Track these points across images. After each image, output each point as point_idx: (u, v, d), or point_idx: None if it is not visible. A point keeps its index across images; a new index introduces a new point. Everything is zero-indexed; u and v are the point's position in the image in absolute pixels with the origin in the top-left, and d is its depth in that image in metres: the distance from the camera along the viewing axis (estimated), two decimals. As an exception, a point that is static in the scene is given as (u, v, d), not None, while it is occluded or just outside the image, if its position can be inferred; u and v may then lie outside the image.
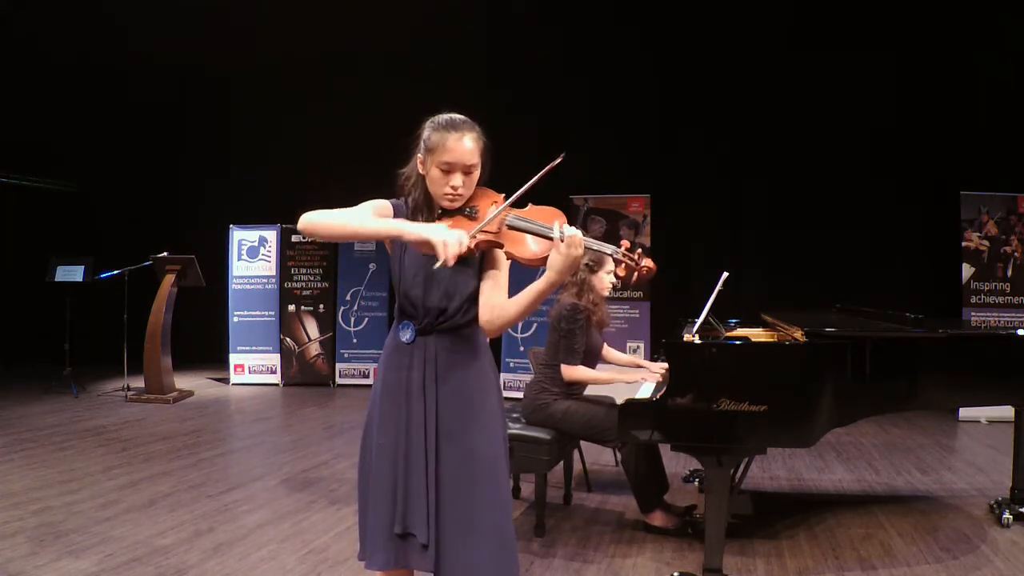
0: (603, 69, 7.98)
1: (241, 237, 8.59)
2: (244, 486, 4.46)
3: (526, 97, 7.80)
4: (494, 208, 1.87)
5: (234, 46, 8.23)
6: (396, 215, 1.97)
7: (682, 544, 3.53)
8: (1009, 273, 6.74)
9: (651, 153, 7.96)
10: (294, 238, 8.59)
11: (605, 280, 3.75)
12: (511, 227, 1.85)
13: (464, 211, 1.92)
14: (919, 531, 3.70)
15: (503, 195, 1.94)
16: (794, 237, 7.61)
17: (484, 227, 1.84)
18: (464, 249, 1.75)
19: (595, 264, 3.67)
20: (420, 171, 1.94)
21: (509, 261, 1.93)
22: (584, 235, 1.79)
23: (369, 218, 1.87)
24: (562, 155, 1.81)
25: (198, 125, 9.37)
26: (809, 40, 7.43)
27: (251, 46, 8.24)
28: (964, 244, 6.78)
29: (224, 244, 8.58)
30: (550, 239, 1.79)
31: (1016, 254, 6.73)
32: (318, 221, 1.82)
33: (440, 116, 1.94)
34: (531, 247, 1.83)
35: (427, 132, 1.92)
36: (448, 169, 1.88)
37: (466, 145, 1.87)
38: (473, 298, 1.94)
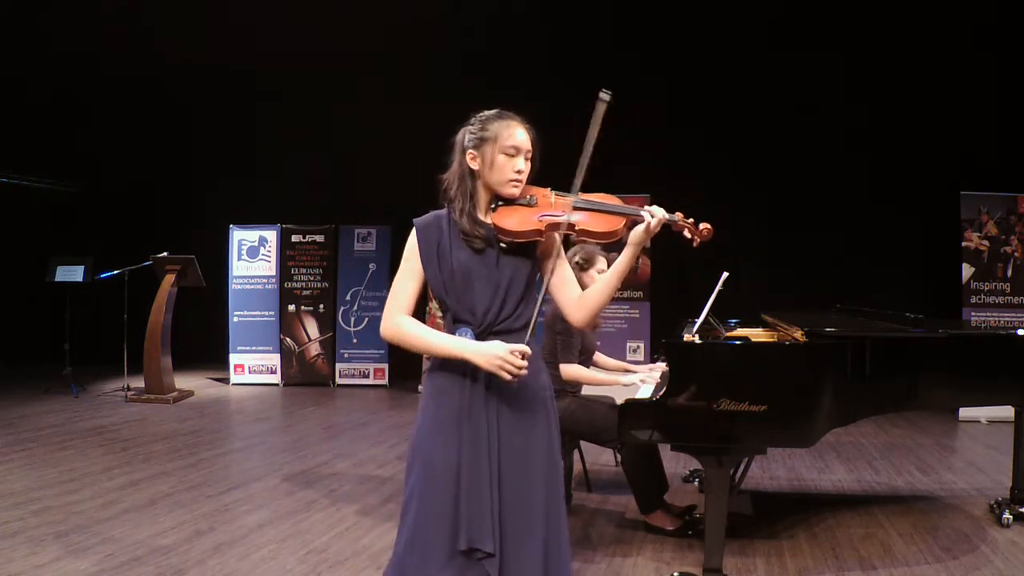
0: (603, 68, 7.97)
1: (241, 237, 8.59)
2: (244, 486, 4.46)
3: (525, 97, 7.80)
4: (553, 195, 1.97)
5: (235, 47, 8.22)
6: (426, 234, 1.96)
7: (682, 544, 3.53)
8: (1009, 273, 6.74)
9: (651, 153, 7.95)
10: (294, 238, 8.59)
11: (596, 278, 3.76)
12: (580, 209, 1.94)
13: (524, 200, 1.97)
14: (919, 531, 3.70)
15: (548, 187, 2.01)
16: (794, 237, 7.61)
17: (551, 212, 1.92)
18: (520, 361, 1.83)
19: (585, 262, 3.67)
20: (473, 166, 1.95)
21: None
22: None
23: (441, 343, 1.92)
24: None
25: (198, 125, 9.36)
26: (810, 40, 7.43)
27: (252, 47, 8.23)
28: (964, 244, 6.78)
29: (224, 244, 8.58)
30: (621, 216, 1.93)
31: (1016, 254, 6.73)
32: (396, 340, 1.96)
33: (486, 112, 1.99)
34: (600, 226, 1.93)
35: (479, 125, 1.95)
36: (515, 153, 1.93)
37: (526, 131, 1.97)
38: (527, 295, 1.97)
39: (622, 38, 7.91)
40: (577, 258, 3.65)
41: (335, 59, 8.29)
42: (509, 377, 1.82)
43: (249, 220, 8.59)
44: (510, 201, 1.96)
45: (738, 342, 3.31)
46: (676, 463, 4.77)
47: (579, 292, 2.01)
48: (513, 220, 1.92)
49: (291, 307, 8.51)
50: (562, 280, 2.01)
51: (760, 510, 4.04)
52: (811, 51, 7.41)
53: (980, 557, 3.34)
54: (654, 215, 1.91)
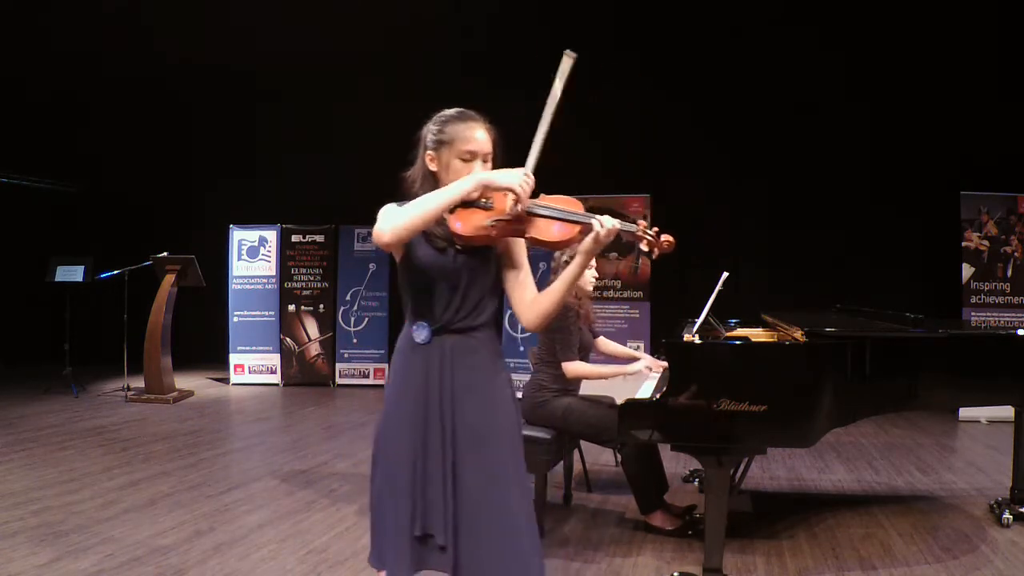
0: (603, 68, 7.97)
1: (241, 237, 8.59)
2: (244, 486, 4.46)
3: (525, 97, 7.79)
4: (510, 198, 1.86)
5: (235, 47, 8.23)
6: None
7: (682, 544, 3.53)
8: (1009, 273, 6.74)
9: (651, 153, 7.95)
10: (294, 238, 8.59)
11: (588, 275, 3.79)
12: (533, 214, 1.88)
13: (479, 202, 1.90)
14: (919, 531, 3.70)
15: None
16: (794, 237, 7.61)
17: (504, 216, 1.86)
18: (529, 188, 1.80)
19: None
20: (432, 168, 1.94)
21: (528, 252, 1.98)
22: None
23: (441, 193, 1.83)
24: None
25: (198, 125, 9.37)
26: (810, 39, 7.42)
27: (252, 47, 8.23)
28: (964, 244, 6.78)
29: (224, 244, 8.58)
30: (575, 223, 1.87)
31: (1016, 254, 6.73)
32: (401, 224, 1.80)
33: (447, 111, 1.95)
34: (553, 232, 1.88)
35: (438, 127, 1.93)
36: (470, 158, 1.90)
37: (486, 132, 1.93)
38: (488, 295, 1.96)
39: (622, 38, 7.91)
40: (565, 256, 3.67)
41: (335, 59, 8.29)
42: (516, 199, 1.79)
43: (249, 220, 8.59)
44: (468, 203, 1.89)
45: (738, 342, 3.31)
46: (676, 463, 4.77)
47: (533, 294, 1.95)
48: (464, 223, 1.86)
49: (291, 307, 8.51)
50: (517, 280, 1.97)
51: (760, 510, 4.04)
52: (811, 51, 7.41)
53: (980, 557, 3.34)
54: (603, 224, 1.84)
